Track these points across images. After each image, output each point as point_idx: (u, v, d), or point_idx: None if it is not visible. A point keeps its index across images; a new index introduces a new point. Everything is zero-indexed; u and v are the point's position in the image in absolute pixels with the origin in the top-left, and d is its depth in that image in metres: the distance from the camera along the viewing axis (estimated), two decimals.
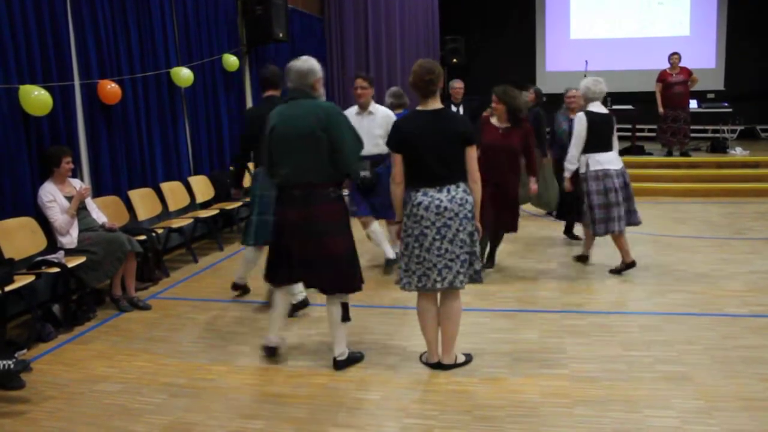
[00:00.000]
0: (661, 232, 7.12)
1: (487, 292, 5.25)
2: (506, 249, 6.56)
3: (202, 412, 3.49)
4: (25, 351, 4.33)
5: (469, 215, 3.68)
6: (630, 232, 5.74)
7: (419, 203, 3.63)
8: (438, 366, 3.88)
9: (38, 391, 3.79)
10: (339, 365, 3.95)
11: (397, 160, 3.70)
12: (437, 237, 3.63)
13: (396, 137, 3.70)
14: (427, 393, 3.62)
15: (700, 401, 3.39)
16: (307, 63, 3.77)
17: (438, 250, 3.64)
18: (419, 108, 3.71)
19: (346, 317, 3.88)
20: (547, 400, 3.47)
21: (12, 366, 3.63)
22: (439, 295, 3.84)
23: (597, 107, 5.55)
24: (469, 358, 3.98)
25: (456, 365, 3.89)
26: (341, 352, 3.96)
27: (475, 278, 3.79)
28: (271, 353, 4.10)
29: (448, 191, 3.62)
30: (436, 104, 3.69)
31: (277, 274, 3.91)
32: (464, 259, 3.68)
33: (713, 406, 3.33)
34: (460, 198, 3.63)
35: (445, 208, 3.60)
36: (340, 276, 3.80)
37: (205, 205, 7.43)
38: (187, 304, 5.32)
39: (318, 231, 3.71)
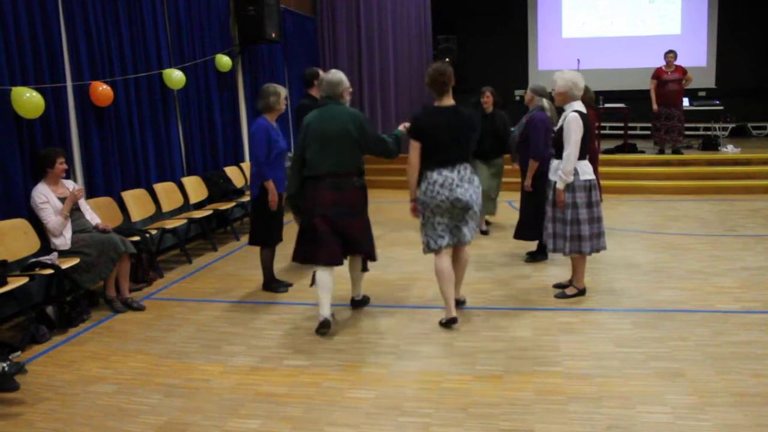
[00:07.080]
0: (653, 230, 7.16)
1: (481, 290, 5.28)
2: (499, 247, 6.58)
3: (197, 413, 3.49)
4: (19, 353, 4.31)
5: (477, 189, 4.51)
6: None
7: (434, 181, 4.33)
8: (453, 321, 4.45)
9: (33, 393, 3.78)
10: (356, 304, 4.94)
11: (415, 146, 4.38)
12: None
13: (417, 128, 4.41)
14: (421, 391, 3.63)
15: (693, 397, 3.41)
16: (337, 75, 4.51)
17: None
18: (436, 104, 4.43)
19: (365, 268, 4.84)
20: (541, 397, 3.49)
21: (6, 368, 3.62)
22: (451, 252, 4.54)
23: (581, 107, 4.80)
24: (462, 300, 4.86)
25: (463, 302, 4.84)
26: (358, 293, 4.96)
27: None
28: (326, 326, 4.46)
29: (459, 171, 4.36)
30: (449, 101, 4.41)
31: (306, 252, 4.46)
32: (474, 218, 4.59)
33: (706, 402, 3.36)
34: (468, 176, 4.42)
35: (456, 184, 4.36)
36: (364, 246, 4.58)
37: (199, 205, 7.42)
38: (182, 305, 5.32)
39: (345, 212, 4.43)
